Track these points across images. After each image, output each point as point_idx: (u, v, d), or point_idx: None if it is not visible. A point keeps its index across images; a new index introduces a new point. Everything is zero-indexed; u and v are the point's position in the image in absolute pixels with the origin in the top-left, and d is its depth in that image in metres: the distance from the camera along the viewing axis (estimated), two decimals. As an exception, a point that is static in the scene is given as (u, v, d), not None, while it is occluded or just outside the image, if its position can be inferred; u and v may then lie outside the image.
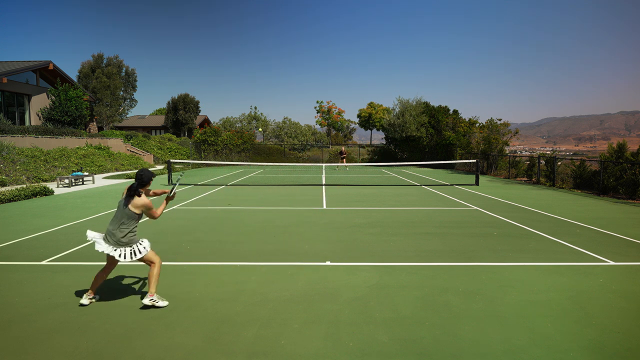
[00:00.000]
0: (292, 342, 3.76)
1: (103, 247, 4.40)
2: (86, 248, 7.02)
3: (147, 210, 4.51)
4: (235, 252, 6.77)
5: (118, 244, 4.41)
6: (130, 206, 4.43)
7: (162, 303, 4.52)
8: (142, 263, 4.87)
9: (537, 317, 4.30)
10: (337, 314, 4.37)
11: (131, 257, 4.42)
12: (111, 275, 5.60)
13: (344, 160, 29.53)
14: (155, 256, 4.62)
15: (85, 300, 4.59)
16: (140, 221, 9.21)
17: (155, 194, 5.08)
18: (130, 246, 4.47)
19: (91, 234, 4.53)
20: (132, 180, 19.50)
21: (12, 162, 18.33)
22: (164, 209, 4.65)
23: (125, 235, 4.43)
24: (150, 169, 25.69)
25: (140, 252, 4.48)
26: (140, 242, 4.57)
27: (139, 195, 4.50)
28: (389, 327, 4.06)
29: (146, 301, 4.45)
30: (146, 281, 5.32)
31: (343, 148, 31.70)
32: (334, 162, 28.90)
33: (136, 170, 23.72)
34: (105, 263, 4.90)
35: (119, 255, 4.39)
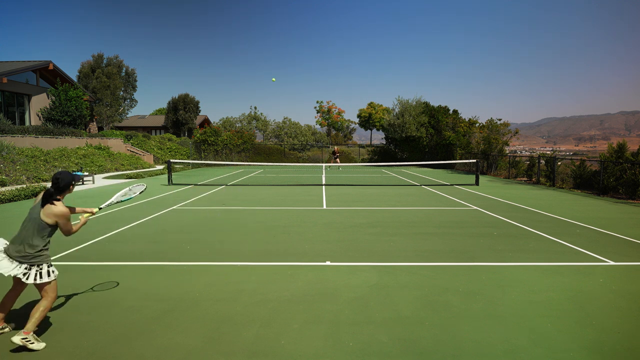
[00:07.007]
0: (292, 342, 3.76)
1: (4, 267, 3.57)
2: (86, 248, 7.02)
3: (63, 222, 3.73)
4: (235, 252, 6.77)
5: (25, 259, 3.62)
6: (41, 214, 3.67)
7: (38, 345, 3.55)
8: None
9: (537, 317, 4.30)
10: (337, 314, 4.37)
11: (38, 278, 3.63)
12: (110, 276, 5.60)
13: (338, 160, 29.76)
14: (55, 290, 3.78)
15: None
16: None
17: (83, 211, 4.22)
18: (40, 265, 3.67)
19: None
20: (132, 180, 19.56)
21: (12, 162, 18.33)
22: (81, 227, 3.99)
23: (39, 250, 3.67)
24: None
25: (49, 275, 3.69)
26: (51, 264, 3.80)
27: (55, 203, 3.72)
28: (389, 327, 4.06)
29: (16, 339, 3.45)
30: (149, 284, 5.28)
31: (336, 147, 31.90)
32: (333, 162, 29.02)
33: (136, 170, 23.74)
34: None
35: (24, 275, 3.59)
